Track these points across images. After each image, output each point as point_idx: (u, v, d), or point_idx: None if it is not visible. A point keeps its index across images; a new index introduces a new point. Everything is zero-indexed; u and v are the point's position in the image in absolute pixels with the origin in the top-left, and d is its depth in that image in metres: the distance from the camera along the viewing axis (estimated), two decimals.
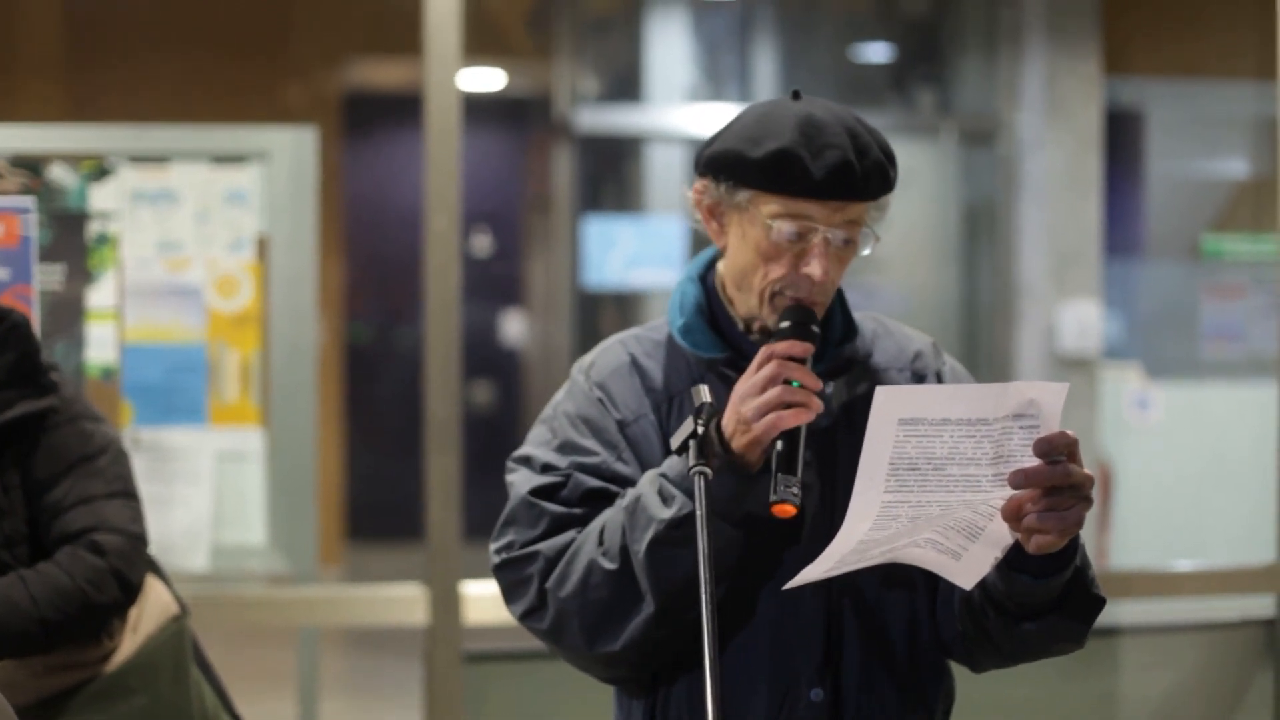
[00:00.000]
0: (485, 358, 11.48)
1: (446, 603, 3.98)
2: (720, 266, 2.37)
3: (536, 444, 2.36)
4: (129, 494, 2.91)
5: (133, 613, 2.90)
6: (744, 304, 2.32)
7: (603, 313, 8.57)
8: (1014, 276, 8.07)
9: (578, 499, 2.29)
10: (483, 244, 11.85)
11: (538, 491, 2.30)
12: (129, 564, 2.82)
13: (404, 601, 4.04)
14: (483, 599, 4.04)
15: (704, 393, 2.14)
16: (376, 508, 10.88)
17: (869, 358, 2.37)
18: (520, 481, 2.33)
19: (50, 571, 2.75)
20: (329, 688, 5.64)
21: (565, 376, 2.46)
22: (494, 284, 11.63)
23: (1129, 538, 7.71)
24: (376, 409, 11.45)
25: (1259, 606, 4.88)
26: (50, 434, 2.87)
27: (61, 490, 2.83)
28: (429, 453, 3.97)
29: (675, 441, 2.12)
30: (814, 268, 2.22)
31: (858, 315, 2.40)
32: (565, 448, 2.32)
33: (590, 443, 2.32)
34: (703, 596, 1.97)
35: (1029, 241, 8.02)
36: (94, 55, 8.85)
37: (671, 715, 2.29)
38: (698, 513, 2.03)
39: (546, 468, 2.32)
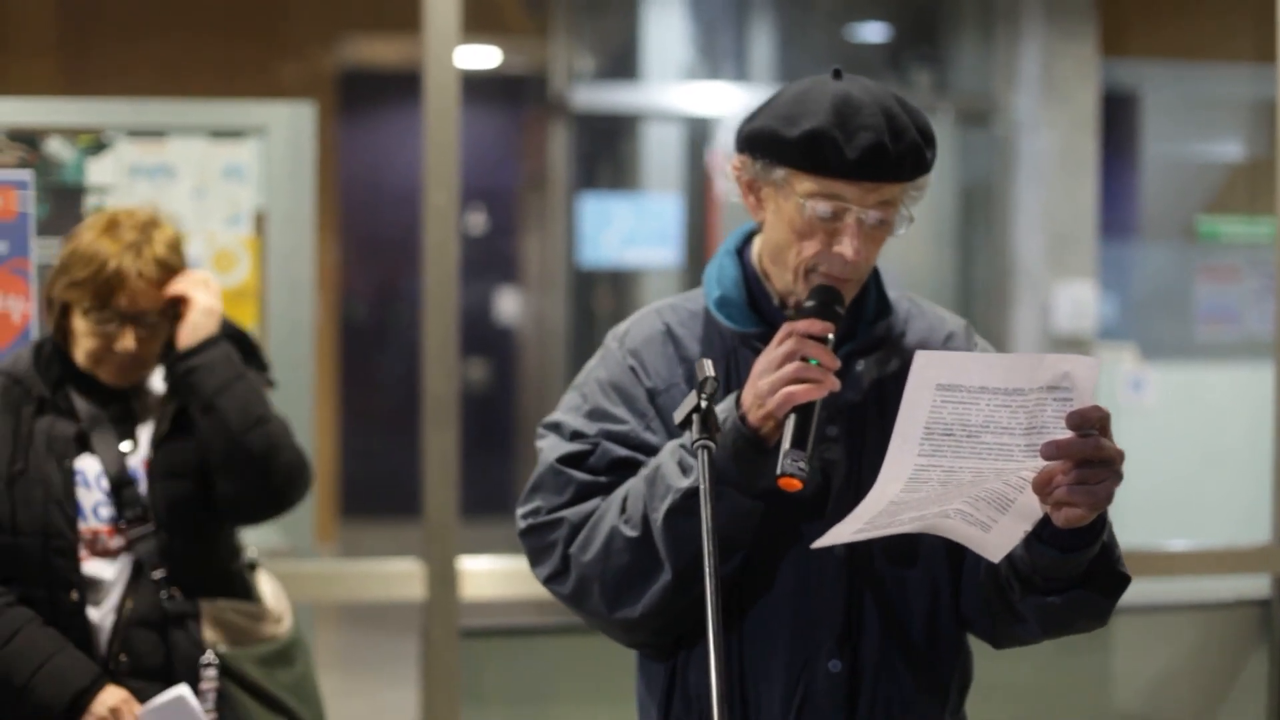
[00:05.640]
0: (480, 336, 11.48)
1: (444, 578, 3.98)
2: (757, 242, 2.39)
3: (567, 410, 2.38)
4: None
5: (282, 598, 3.26)
6: (780, 279, 2.33)
7: (598, 291, 8.55)
8: (1009, 257, 8.07)
9: (604, 467, 2.32)
10: (478, 222, 11.83)
11: (565, 459, 2.33)
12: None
13: (402, 577, 4.04)
14: (479, 575, 4.04)
15: (707, 367, 2.14)
16: (371, 485, 10.88)
17: (901, 337, 2.39)
18: (549, 448, 2.36)
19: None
20: (325, 664, 5.65)
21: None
22: (489, 262, 11.62)
23: (1124, 518, 7.70)
24: (371, 386, 11.45)
25: (1254, 587, 4.90)
26: None
27: None
28: (427, 429, 3.97)
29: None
30: (846, 247, 2.24)
31: (892, 294, 2.42)
32: (595, 414, 2.35)
33: (620, 410, 2.34)
34: (706, 569, 1.98)
35: (1025, 222, 8.01)
36: (90, 33, 8.81)
37: (691, 680, 2.32)
38: (701, 486, 2.03)
39: (575, 435, 2.34)
